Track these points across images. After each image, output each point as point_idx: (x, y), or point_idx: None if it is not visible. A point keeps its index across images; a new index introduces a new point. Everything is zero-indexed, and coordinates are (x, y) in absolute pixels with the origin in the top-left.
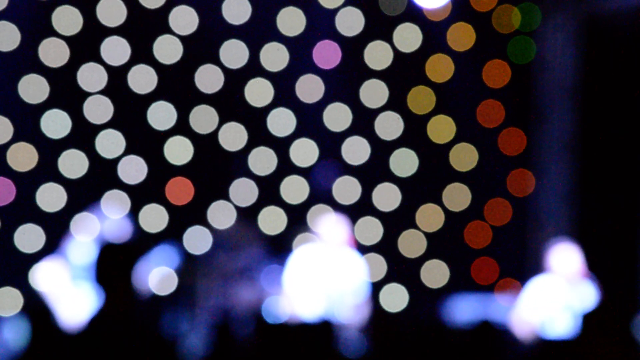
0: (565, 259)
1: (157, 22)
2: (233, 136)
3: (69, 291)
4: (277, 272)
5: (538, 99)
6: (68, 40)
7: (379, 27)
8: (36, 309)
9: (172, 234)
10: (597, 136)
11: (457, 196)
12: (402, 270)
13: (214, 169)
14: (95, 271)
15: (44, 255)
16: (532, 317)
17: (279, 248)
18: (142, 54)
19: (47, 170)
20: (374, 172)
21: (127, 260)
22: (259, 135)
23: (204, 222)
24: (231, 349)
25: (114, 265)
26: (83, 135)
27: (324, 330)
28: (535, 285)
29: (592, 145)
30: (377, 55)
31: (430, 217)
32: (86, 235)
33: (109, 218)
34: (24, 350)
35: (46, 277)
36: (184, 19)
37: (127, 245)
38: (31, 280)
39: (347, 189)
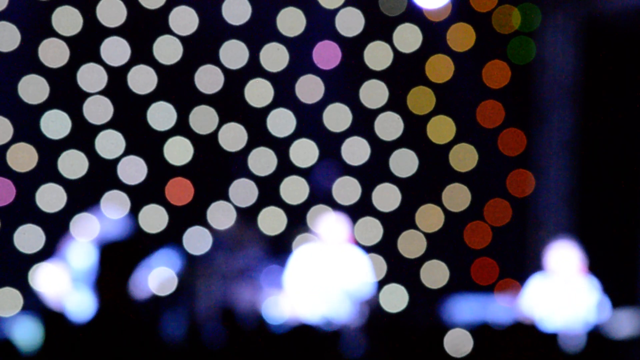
0: (565, 258)
1: (157, 23)
2: (233, 136)
3: (69, 293)
4: (277, 272)
5: (538, 99)
6: (68, 40)
7: (379, 27)
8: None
9: (172, 235)
10: (597, 136)
11: (457, 196)
12: (402, 270)
13: (214, 169)
14: (97, 272)
15: (43, 256)
16: (533, 315)
17: (279, 248)
18: (142, 54)
19: (47, 171)
20: (373, 172)
21: (127, 260)
22: (258, 135)
23: (204, 223)
24: (232, 350)
25: (115, 265)
26: (83, 135)
27: (324, 331)
28: (535, 283)
29: (592, 145)
30: (377, 55)
31: (430, 217)
32: (86, 237)
33: (109, 219)
34: (34, 351)
35: (46, 279)
36: (184, 19)
37: (127, 245)
38: (31, 281)
39: (347, 189)
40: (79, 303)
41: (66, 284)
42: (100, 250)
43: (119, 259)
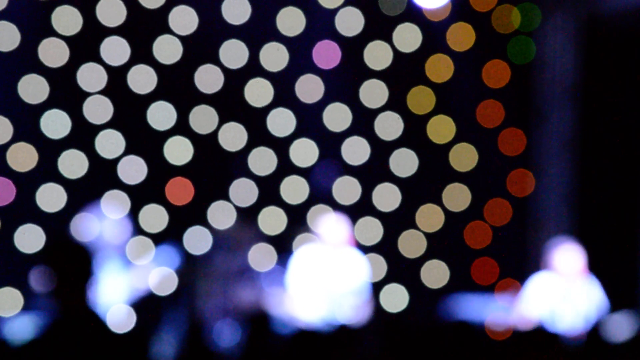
0: (566, 258)
1: (157, 22)
2: (233, 136)
3: None
4: (277, 272)
5: (538, 99)
6: (68, 40)
7: (379, 27)
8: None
9: (172, 234)
10: (597, 136)
11: (457, 196)
12: (402, 270)
13: (214, 169)
14: (49, 275)
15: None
16: (533, 315)
17: (279, 248)
18: (142, 54)
19: (47, 170)
20: (374, 172)
21: (82, 263)
22: (259, 135)
23: (204, 222)
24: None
25: (70, 267)
26: (83, 135)
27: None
28: (536, 283)
29: (592, 145)
30: (377, 55)
31: (430, 217)
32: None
33: (108, 218)
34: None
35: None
36: (184, 19)
37: (81, 247)
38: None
39: (347, 189)
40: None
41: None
42: (52, 256)
43: (73, 264)
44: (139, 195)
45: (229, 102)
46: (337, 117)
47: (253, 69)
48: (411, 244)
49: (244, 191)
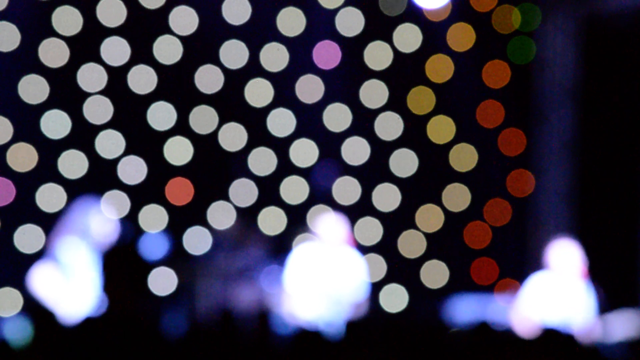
0: (565, 258)
1: (157, 22)
2: (233, 136)
3: (63, 292)
4: (277, 272)
5: (538, 99)
6: (68, 40)
7: (379, 27)
8: (37, 308)
9: (172, 234)
10: (597, 136)
11: (457, 196)
12: (402, 270)
13: (214, 169)
14: (102, 275)
15: (44, 256)
16: (532, 315)
17: (279, 248)
18: (142, 54)
19: (47, 171)
20: (374, 172)
21: (133, 262)
22: (259, 135)
23: (204, 223)
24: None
25: (121, 268)
26: (83, 135)
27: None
28: (535, 283)
29: (592, 145)
30: (377, 55)
31: (430, 217)
32: (75, 235)
33: (99, 218)
34: (24, 349)
35: (41, 280)
36: (184, 19)
37: (131, 247)
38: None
39: (347, 189)
40: (72, 301)
41: (59, 282)
42: (104, 255)
43: (123, 262)
44: (139, 196)
45: (229, 102)
46: (337, 117)
47: (253, 69)
48: (411, 244)
49: (243, 191)
